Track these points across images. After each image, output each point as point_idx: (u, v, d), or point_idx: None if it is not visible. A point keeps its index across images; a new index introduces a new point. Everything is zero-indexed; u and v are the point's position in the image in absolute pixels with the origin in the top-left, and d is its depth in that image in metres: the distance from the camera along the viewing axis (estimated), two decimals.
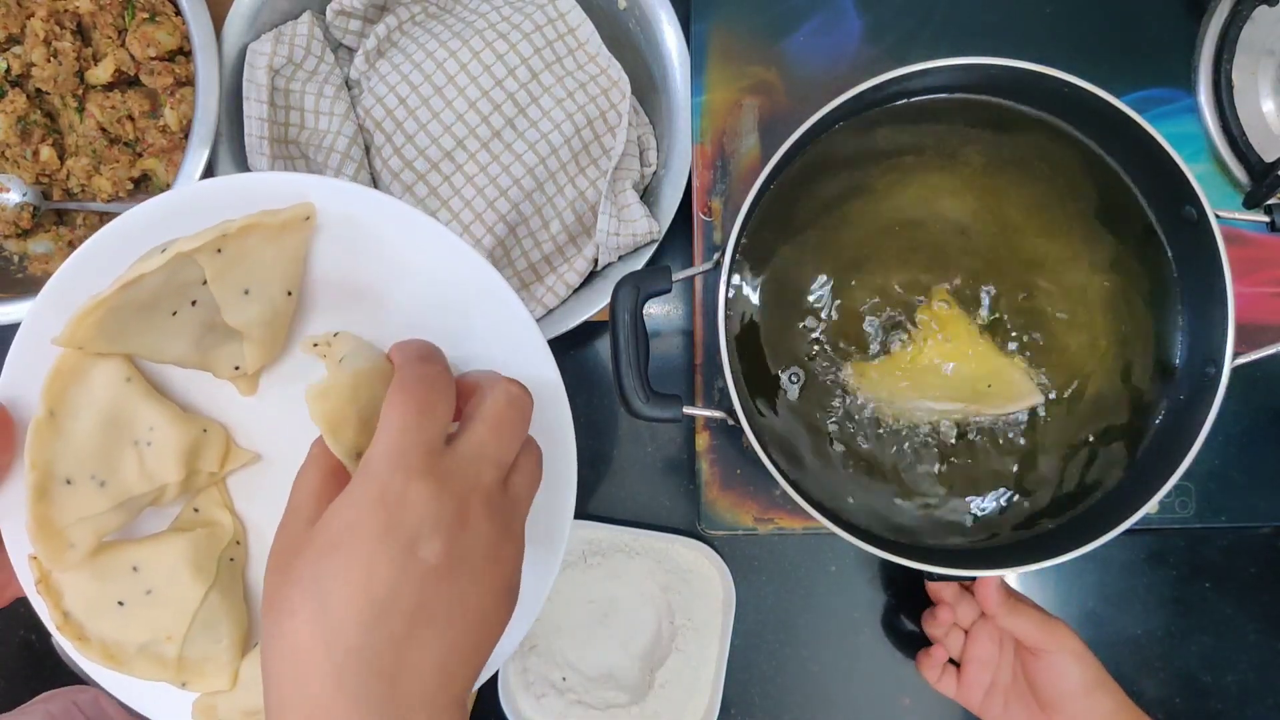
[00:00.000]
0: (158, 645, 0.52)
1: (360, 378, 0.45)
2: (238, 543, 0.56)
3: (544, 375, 0.51)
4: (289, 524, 0.42)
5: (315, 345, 0.49)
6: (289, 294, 0.52)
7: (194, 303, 0.50)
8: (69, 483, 0.50)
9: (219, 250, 0.48)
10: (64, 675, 0.72)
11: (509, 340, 0.52)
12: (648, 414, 0.57)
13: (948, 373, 0.60)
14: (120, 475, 0.51)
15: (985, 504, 0.60)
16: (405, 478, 0.39)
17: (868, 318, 0.60)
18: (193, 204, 0.51)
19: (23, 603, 0.69)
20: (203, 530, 0.54)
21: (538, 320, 0.70)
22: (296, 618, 0.38)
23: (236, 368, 0.53)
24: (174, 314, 0.49)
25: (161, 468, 0.52)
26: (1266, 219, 0.59)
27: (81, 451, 0.50)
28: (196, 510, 0.55)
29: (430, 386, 0.42)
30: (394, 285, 0.52)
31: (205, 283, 0.49)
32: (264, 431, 0.56)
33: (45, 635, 0.74)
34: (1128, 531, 0.56)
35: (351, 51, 0.72)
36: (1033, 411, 0.60)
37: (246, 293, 0.50)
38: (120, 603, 0.52)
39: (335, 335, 0.49)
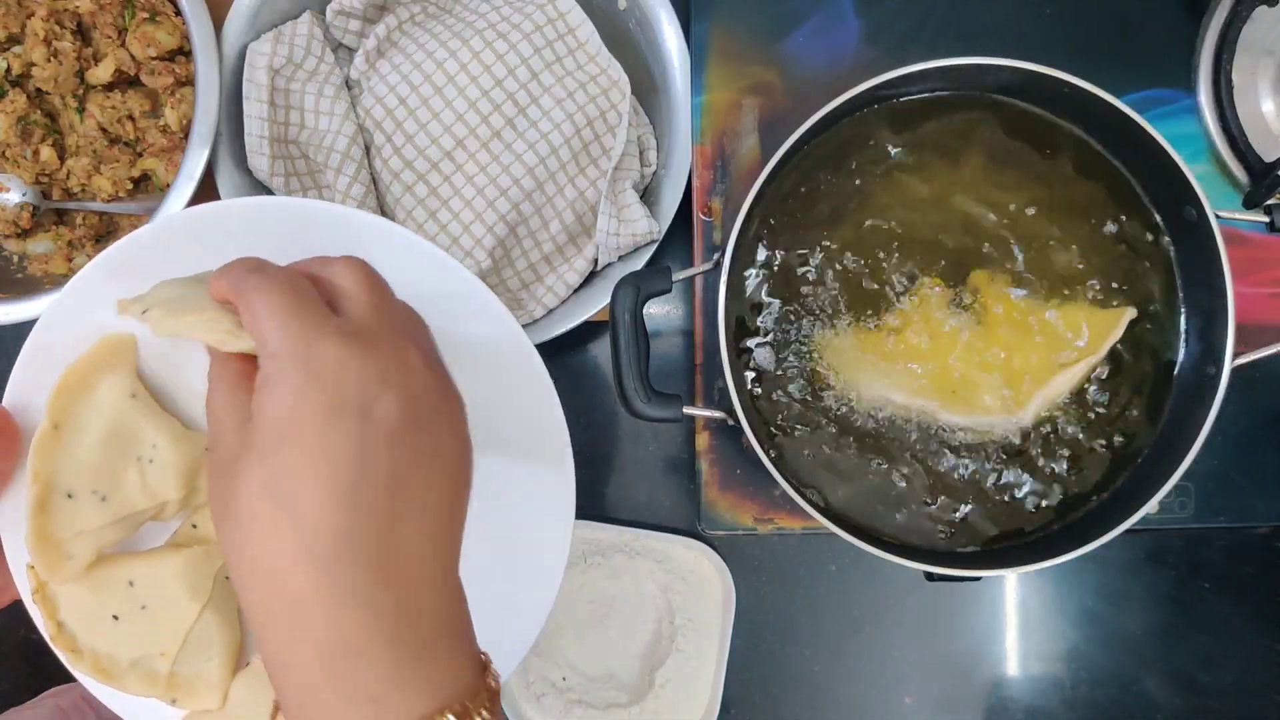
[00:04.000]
0: (150, 661, 0.52)
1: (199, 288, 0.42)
2: None
3: (538, 385, 0.52)
4: (218, 436, 0.37)
5: (126, 306, 0.45)
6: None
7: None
8: (70, 496, 0.50)
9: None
10: (65, 673, 0.72)
11: (499, 353, 0.52)
12: (648, 414, 0.57)
13: (926, 371, 0.60)
14: (122, 491, 0.51)
15: (986, 505, 0.60)
16: (321, 343, 0.35)
17: (866, 317, 0.61)
18: (210, 222, 0.51)
19: (23, 603, 0.69)
20: (200, 548, 0.54)
21: (538, 320, 0.70)
22: (259, 523, 0.34)
23: None
24: None
25: (163, 485, 0.52)
26: (1266, 219, 0.59)
27: (84, 466, 0.50)
28: (195, 526, 0.55)
29: (277, 270, 0.38)
30: None
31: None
32: None
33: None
34: (1127, 531, 0.56)
35: (351, 51, 0.72)
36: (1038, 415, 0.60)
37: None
38: (115, 617, 0.52)
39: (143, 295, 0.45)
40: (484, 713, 0.35)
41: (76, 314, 0.51)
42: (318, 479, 0.34)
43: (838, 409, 0.60)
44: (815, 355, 0.61)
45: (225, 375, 0.39)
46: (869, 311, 0.61)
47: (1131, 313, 0.60)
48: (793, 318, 0.61)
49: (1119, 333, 0.59)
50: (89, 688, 0.54)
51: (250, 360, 0.38)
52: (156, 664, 0.52)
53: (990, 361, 0.60)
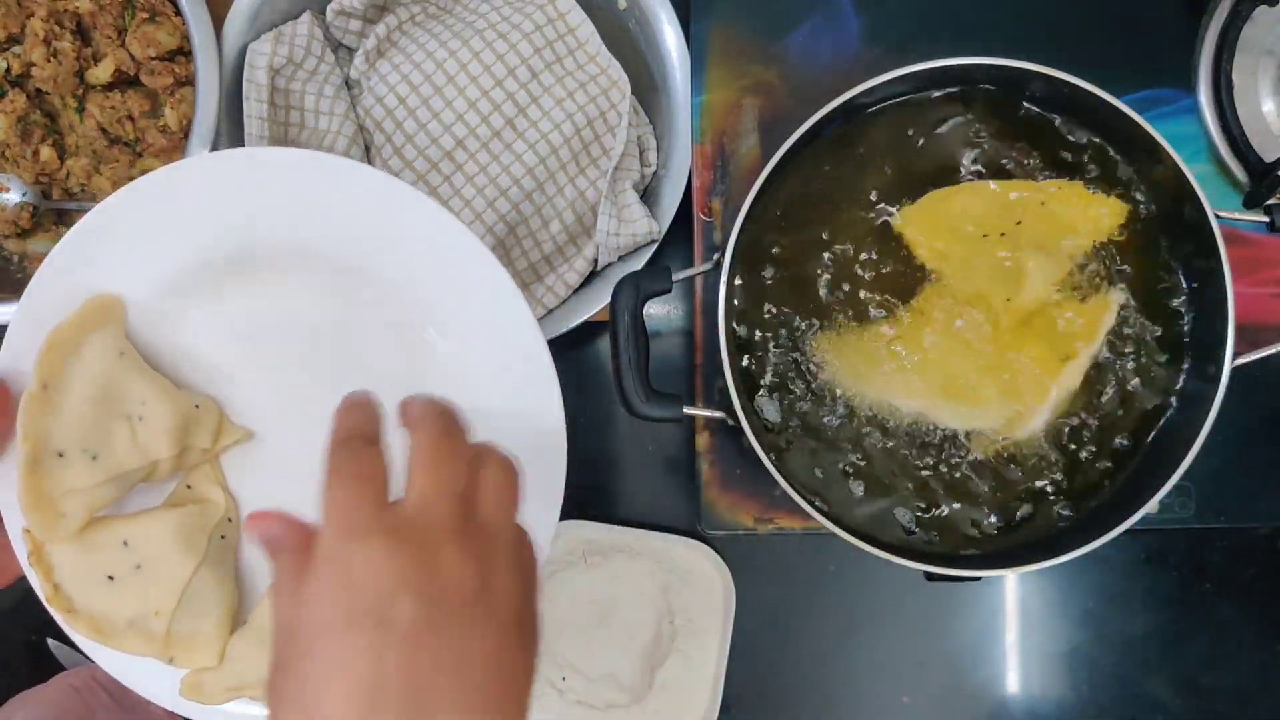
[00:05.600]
0: (146, 620, 0.52)
1: None
2: (230, 520, 0.56)
3: (529, 347, 0.54)
4: (274, 636, 0.38)
5: None
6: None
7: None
8: (61, 455, 0.50)
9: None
10: None
11: (491, 312, 0.54)
12: (648, 414, 0.57)
13: (927, 371, 0.60)
14: (112, 449, 0.52)
15: (986, 505, 0.60)
16: (352, 544, 0.36)
17: (867, 318, 0.60)
18: (189, 181, 0.52)
19: (24, 604, 0.70)
20: (194, 506, 0.54)
21: (538, 320, 0.70)
22: None
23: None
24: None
25: (153, 442, 0.52)
26: (1266, 219, 0.59)
27: (73, 425, 0.51)
28: (190, 487, 0.55)
29: (358, 455, 0.39)
30: (373, 256, 0.54)
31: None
32: (258, 408, 0.56)
33: (46, 636, 0.74)
34: (1128, 532, 0.55)
35: (351, 51, 0.72)
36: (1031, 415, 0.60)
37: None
38: (110, 576, 0.52)
39: None
40: None
41: (64, 276, 0.52)
42: (337, 691, 0.34)
43: (838, 409, 0.60)
44: (816, 355, 0.61)
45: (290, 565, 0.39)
46: (870, 312, 0.61)
47: (1120, 297, 0.60)
48: (794, 318, 0.61)
49: (1111, 319, 0.59)
50: (86, 649, 0.54)
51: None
52: (153, 623, 0.52)
53: (993, 362, 0.60)
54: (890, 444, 0.60)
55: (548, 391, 0.54)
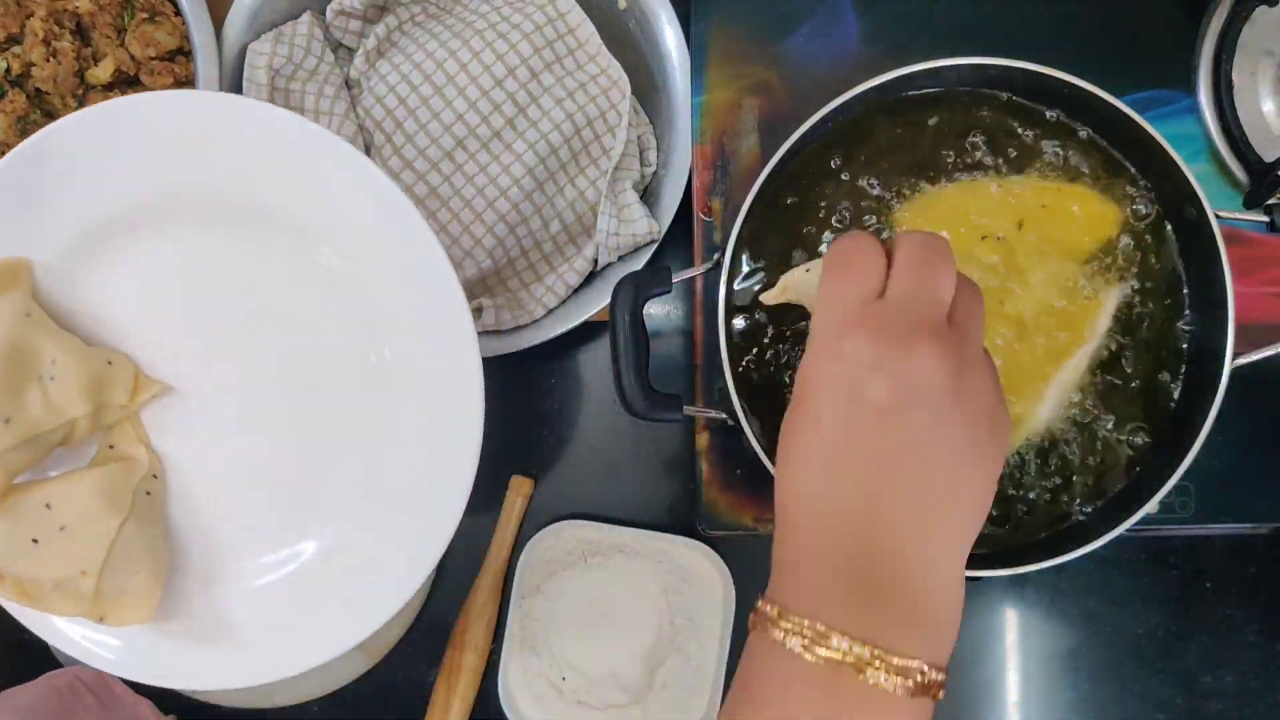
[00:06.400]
0: (74, 580, 0.52)
1: None
2: (155, 476, 0.55)
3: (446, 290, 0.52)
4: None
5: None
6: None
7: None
8: None
9: None
10: None
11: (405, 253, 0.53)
12: (648, 414, 0.57)
13: None
14: (25, 411, 0.51)
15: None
16: (841, 329, 0.41)
17: None
18: (82, 137, 0.52)
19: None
20: (116, 464, 0.54)
21: (538, 320, 0.70)
22: (781, 469, 0.41)
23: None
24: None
25: (67, 401, 0.52)
26: (1266, 219, 0.59)
27: None
28: (112, 447, 0.55)
29: (853, 250, 0.43)
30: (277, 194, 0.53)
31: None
32: (175, 363, 0.55)
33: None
34: (1129, 532, 0.55)
35: (351, 51, 0.72)
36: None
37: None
38: (34, 540, 0.52)
39: None
40: (897, 678, 0.37)
41: None
42: (808, 438, 0.41)
43: None
44: None
45: None
46: None
47: (1119, 298, 0.60)
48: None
49: (1109, 320, 0.59)
50: (16, 615, 0.54)
51: None
52: (81, 583, 0.52)
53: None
54: None
55: (458, 317, 0.53)
